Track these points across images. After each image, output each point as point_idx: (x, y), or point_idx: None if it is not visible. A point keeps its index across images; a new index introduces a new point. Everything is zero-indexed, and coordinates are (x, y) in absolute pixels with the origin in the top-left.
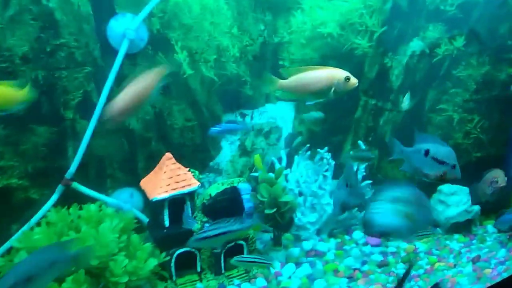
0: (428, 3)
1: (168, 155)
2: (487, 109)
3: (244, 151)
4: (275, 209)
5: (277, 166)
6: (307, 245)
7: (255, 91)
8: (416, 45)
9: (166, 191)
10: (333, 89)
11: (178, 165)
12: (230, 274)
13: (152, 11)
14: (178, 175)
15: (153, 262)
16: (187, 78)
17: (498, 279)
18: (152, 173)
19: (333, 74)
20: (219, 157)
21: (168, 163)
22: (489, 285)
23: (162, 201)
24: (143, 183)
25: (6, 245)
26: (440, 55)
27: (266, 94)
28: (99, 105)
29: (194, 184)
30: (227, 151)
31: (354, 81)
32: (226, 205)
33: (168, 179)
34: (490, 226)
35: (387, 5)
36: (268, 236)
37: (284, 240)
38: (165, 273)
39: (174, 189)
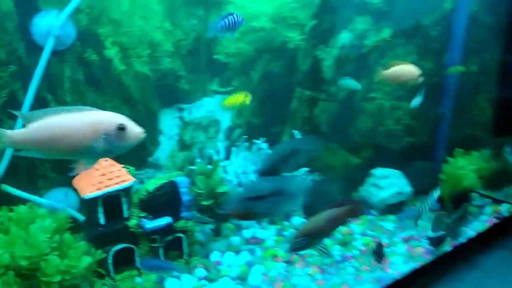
0: None
1: None
2: (415, 96)
3: (184, 146)
4: (212, 201)
5: (215, 157)
6: (247, 233)
7: (191, 85)
8: (345, 37)
9: (99, 189)
10: (97, 145)
11: (111, 161)
12: None
13: (78, 7)
14: (111, 171)
15: (87, 260)
16: (119, 74)
17: (431, 258)
18: (84, 171)
19: (100, 120)
20: (157, 152)
21: (100, 160)
22: (422, 263)
23: (95, 199)
24: (76, 181)
25: None
26: (368, 46)
27: (202, 88)
28: (25, 104)
29: (129, 180)
30: (166, 146)
31: (136, 131)
32: (164, 199)
33: (101, 176)
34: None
35: None
36: (209, 227)
37: (226, 230)
38: (102, 270)
39: (107, 186)
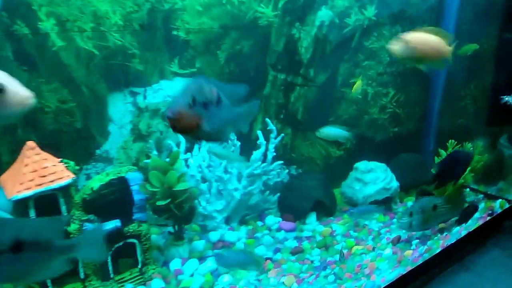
0: None
1: (30, 144)
2: (402, 82)
3: (139, 135)
4: (169, 200)
5: (175, 149)
6: (214, 235)
7: (146, 66)
8: (324, 14)
9: (29, 188)
10: None
11: (45, 155)
12: (121, 278)
13: None
14: (45, 167)
15: None
16: (57, 51)
17: (420, 261)
18: (12, 167)
19: None
20: (107, 144)
21: (30, 153)
22: (410, 268)
23: (25, 200)
24: (3, 179)
25: None
26: (350, 25)
27: (160, 69)
28: None
29: (67, 178)
30: (117, 136)
31: (21, 94)
32: (112, 199)
33: (31, 173)
34: (410, 203)
35: None
36: (169, 229)
37: (190, 232)
38: (36, 286)
39: (40, 184)
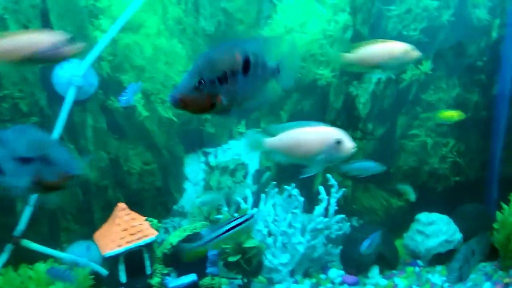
0: (390, 30)
1: (121, 205)
2: (462, 131)
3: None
4: (239, 256)
5: (243, 206)
6: None
7: (217, 129)
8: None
9: (120, 245)
10: (322, 154)
11: (133, 215)
12: None
13: (100, 55)
14: (133, 226)
15: None
16: (143, 120)
17: None
18: (105, 225)
19: (325, 133)
20: (183, 200)
21: (121, 214)
22: None
23: (116, 256)
24: (97, 236)
25: None
26: (406, 80)
27: (229, 130)
28: None
29: (152, 235)
30: (192, 192)
31: (349, 145)
32: None
33: (122, 231)
34: None
35: (347, 34)
36: (238, 282)
37: (257, 284)
38: None
39: (129, 242)
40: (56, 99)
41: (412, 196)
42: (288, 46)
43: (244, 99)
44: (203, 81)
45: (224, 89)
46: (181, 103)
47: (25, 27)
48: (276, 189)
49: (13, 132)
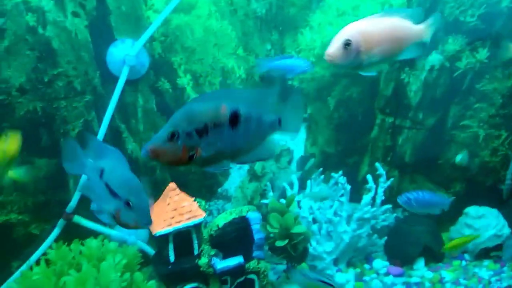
0: (447, 15)
1: (172, 185)
2: None
3: (254, 176)
4: (286, 241)
5: (289, 192)
6: None
7: None
8: (435, 59)
9: (170, 224)
10: None
11: (183, 195)
12: None
13: (153, 35)
14: (183, 206)
15: None
16: None
17: None
18: (155, 205)
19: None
20: (227, 183)
21: (172, 194)
22: None
23: (166, 235)
24: None
25: (4, 287)
26: (461, 68)
27: None
28: (100, 134)
29: (200, 216)
30: (236, 176)
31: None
32: (235, 236)
33: (172, 211)
34: None
35: None
36: (282, 267)
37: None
38: None
39: (179, 221)
40: (109, 78)
41: (462, 159)
42: (292, 95)
43: (236, 152)
44: (177, 133)
45: (205, 142)
46: (152, 154)
47: (82, 5)
48: (322, 176)
49: (112, 156)
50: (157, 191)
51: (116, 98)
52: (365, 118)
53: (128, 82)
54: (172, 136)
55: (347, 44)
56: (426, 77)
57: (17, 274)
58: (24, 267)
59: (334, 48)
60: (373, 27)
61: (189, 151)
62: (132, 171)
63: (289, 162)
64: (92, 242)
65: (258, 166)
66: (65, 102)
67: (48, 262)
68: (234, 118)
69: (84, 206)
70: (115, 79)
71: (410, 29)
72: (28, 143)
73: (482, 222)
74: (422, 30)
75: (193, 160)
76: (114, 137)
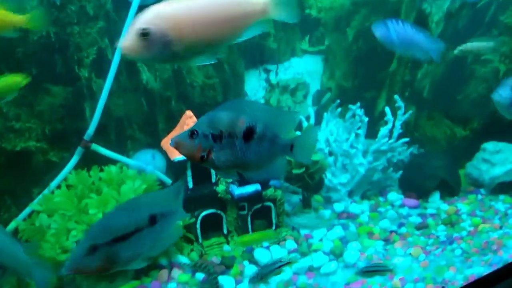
0: None
1: (189, 113)
2: None
3: None
4: (303, 169)
5: (305, 124)
6: (338, 207)
7: (279, 44)
8: None
9: None
10: None
11: None
12: None
13: None
14: None
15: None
16: None
17: None
18: (173, 132)
19: None
20: None
21: (189, 121)
22: None
23: (184, 162)
24: (164, 143)
25: (27, 209)
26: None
27: (292, 47)
28: (114, 63)
29: None
30: None
31: None
32: None
33: None
34: None
35: None
36: (297, 198)
37: (314, 202)
38: (191, 235)
39: None
40: (121, 3)
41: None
42: (306, 127)
43: (244, 165)
44: (196, 133)
45: (217, 147)
46: (175, 144)
47: None
48: (339, 109)
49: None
50: (173, 122)
51: (129, 24)
52: (384, 50)
53: (141, 8)
54: (192, 134)
55: (144, 34)
56: (449, 8)
57: (39, 197)
58: (46, 190)
59: (128, 39)
60: (186, 9)
61: (202, 151)
62: (147, 103)
63: (305, 96)
64: (111, 168)
65: (273, 99)
66: (78, 27)
67: (68, 187)
68: (249, 134)
69: (101, 136)
70: (127, 4)
71: (246, 6)
72: (42, 70)
73: (499, 156)
74: (265, 4)
75: (205, 161)
76: (129, 67)
